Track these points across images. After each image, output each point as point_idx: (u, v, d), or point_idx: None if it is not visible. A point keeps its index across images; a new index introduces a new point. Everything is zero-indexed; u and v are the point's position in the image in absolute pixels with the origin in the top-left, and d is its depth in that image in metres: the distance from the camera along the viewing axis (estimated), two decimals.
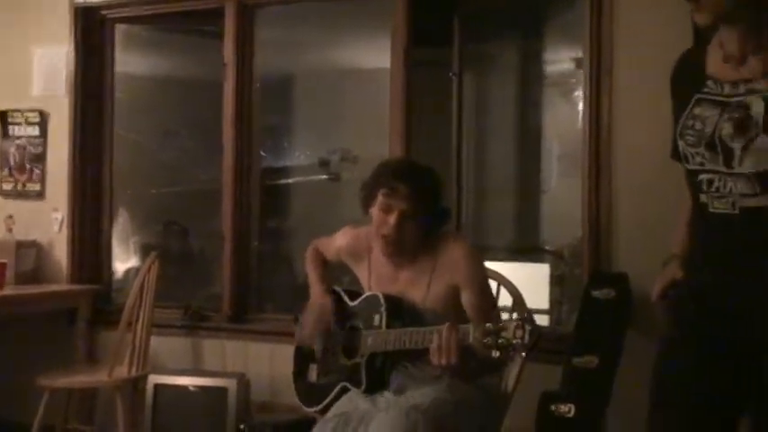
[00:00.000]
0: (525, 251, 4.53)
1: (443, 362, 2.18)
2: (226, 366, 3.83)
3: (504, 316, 2.54)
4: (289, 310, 4.14)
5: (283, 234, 5.24)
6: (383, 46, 4.29)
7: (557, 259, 4.26)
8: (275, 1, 3.97)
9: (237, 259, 3.95)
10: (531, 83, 4.57)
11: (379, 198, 2.38)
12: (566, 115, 4.45)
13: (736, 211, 1.68)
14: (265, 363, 3.77)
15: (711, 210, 1.72)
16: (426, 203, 2.39)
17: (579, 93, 4.32)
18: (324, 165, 5.44)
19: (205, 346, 3.93)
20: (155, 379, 3.58)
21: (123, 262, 4.70)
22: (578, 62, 4.37)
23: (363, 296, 2.49)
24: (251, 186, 4.02)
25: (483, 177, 4.41)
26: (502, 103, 4.53)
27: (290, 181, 5.46)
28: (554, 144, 4.52)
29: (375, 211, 2.40)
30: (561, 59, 4.48)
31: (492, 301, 2.47)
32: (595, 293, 2.95)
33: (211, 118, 4.38)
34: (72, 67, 4.12)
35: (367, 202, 2.45)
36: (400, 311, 2.38)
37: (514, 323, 2.05)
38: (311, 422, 3.28)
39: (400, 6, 3.59)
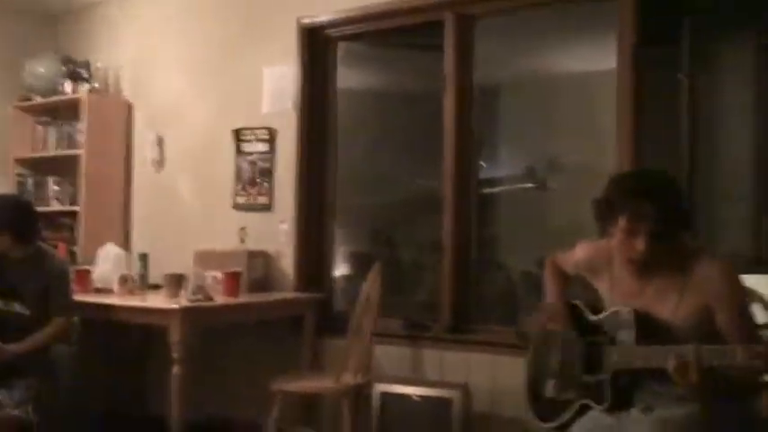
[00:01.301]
0: (756, 262, 4.20)
1: (682, 382, 2.07)
2: (445, 376, 3.82)
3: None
4: (505, 321, 4.11)
5: (493, 243, 5.20)
6: (597, 48, 4.13)
7: None
8: (494, 12, 3.94)
9: (457, 269, 3.95)
10: (766, 81, 4.23)
11: (622, 222, 2.25)
12: None
13: None
14: (485, 374, 3.73)
15: None
16: (673, 219, 2.25)
17: None
18: (530, 173, 5.34)
19: (424, 355, 3.95)
20: (381, 387, 3.63)
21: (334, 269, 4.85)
22: None
23: (609, 310, 2.38)
24: (470, 196, 4.00)
25: (716, 184, 4.13)
26: (737, 106, 4.23)
27: (495, 190, 5.41)
28: None
29: (618, 233, 2.28)
30: None
31: (753, 324, 2.28)
32: None
33: (425, 130, 4.43)
34: (299, 85, 4.32)
35: (606, 222, 2.33)
36: (650, 328, 2.26)
37: None
38: None
39: (628, 5, 3.44)
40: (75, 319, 3.73)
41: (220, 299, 3.89)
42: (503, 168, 5.58)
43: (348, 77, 4.61)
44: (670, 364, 2.09)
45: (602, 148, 4.19)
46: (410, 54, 4.85)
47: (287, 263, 4.35)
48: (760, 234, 4.20)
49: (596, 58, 4.43)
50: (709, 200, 4.09)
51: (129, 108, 5.08)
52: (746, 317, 2.25)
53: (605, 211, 2.31)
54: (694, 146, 3.78)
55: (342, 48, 4.46)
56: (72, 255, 4.76)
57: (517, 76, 5.34)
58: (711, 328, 2.21)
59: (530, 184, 5.33)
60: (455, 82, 3.95)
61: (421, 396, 3.58)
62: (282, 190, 4.39)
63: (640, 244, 2.23)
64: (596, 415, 2.34)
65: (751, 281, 2.66)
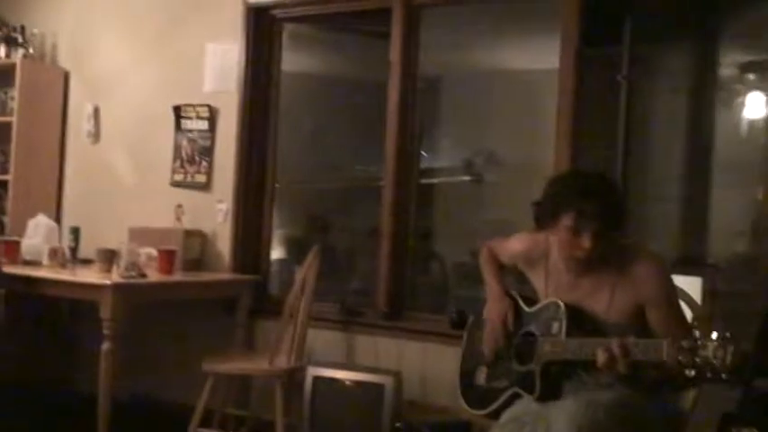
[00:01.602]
0: (679, 263, 4.36)
1: (611, 374, 2.15)
2: (378, 363, 3.86)
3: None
4: (438, 310, 4.18)
5: (429, 233, 5.26)
6: (539, 47, 4.19)
7: (713, 273, 4.07)
8: (442, 2, 3.97)
9: (395, 257, 3.98)
10: (700, 88, 4.39)
11: (568, 221, 2.29)
12: (729, 123, 4.26)
13: None
14: (417, 361, 3.78)
15: None
16: (615, 217, 2.32)
17: (742, 99, 4.14)
18: (468, 166, 5.41)
19: (358, 341, 3.97)
20: (314, 371, 3.65)
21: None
22: (743, 67, 4.18)
23: (543, 303, 2.44)
24: (410, 185, 4.04)
25: (648, 185, 4.26)
26: (671, 109, 4.37)
27: (434, 181, 5.47)
28: (716, 153, 4.34)
29: (562, 232, 2.32)
30: (727, 65, 4.29)
31: (685, 321, 2.36)
32: None
33: (368, 117, 4.44)
34: (242, 65, 4.27)
35: (547, 222, 2.38)
36: (581, 321, 2.32)
37: (716, 342, 1.94)
38: (467, 425, 3.29)
39: (573, 6, 3.51)
40: (2, 291, 3.64)
41: (154, 276, 3.85)
42: (442, 159, 5.63)
43: (293, 60, 4.58)
44: (599, 358, 2.15)
45: (540, 146, 4.28)
46: (356, 40, 4.85)
47: (223, 244, 4.32)
48: (688, 235, 4.36)
49: (538, 57, 4.51)
50: (640, 200, 4.22)
51: (65, 77, 4.94)
52: (678, 314, 2.33)
53: (548, 211, 2.35)
54: (629, 146, 3.89)
55: (287, 29, 4.42)
56: (1, 225, 4.63)
57: (460, 68, 5.39)
58: (642, 325, 2.28)
59: (467, 177, 5.40)
60: (400, 70, 3.96)
61: (353, 381, 3.61)
62: (222, 169, 4.34)
63: (586, 242, 2.27)
64: (526, 404, 2.38)
65: (677, 281, 2.76)
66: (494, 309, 2.56)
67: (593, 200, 2.27)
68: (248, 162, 4.32)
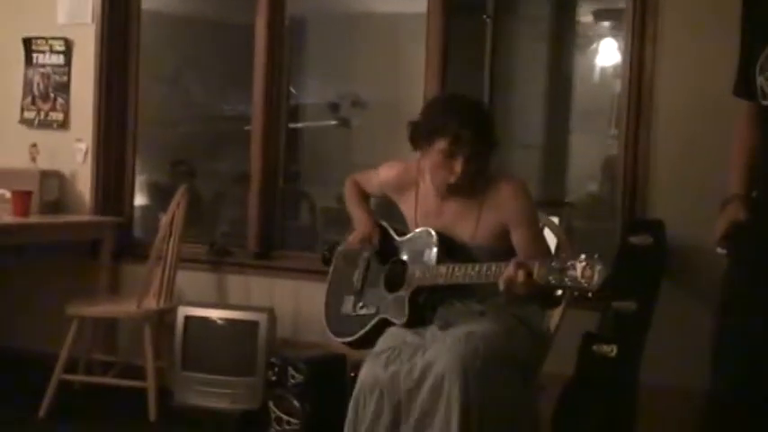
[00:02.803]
0: (541, 204, 4.57)
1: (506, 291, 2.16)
2: (250, 302, 3.83)
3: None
4: (308, 249, 4.19)
5: (297, 178, 5.24)
6: None
7: (569, 211, 4.30)
8: None
9: (264, 198, 3.95)
10: (559, 34, 4.56)
11: (441, 144, 2.32)
12: (585, 69, 4.47)
13: None
14: (289, 299, 3.78)
15: None
16: (488, 144, 2.38)
17: (595, 46, 4.35)
18: (333, 109, 5.40)
19: (229, 281, 3.93)
20: (185, 311, 3.57)
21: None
22: (596, 14, 4.38)
23: (415, 231, 2.48)
24: (279, 125, 3.99)
25: (510, 128, 4.40)
26: (533, 54, 4.52)
27: (299, 125, 5.43)
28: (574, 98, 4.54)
29: (434, 154, 2.35)
30: (584, 12, 4.48)
31: (545, 242, 2.45)
32: (633, 240, 2.99)
33: (235, 58, 4.33)
34: None
35: (421, 143, 2.41)
36: (451, 247, 2.38)
37: (583, 262, 2.00)
38: (342, 357, 3.34)
39: None
40: None
41: (8, 219, 3.64)
42: (310, 98, 5.59)
43: None
44: (501, 281, 2.16)
45: (405, 89, 4.33)
46: None
47: (84, 185, 4.12)
48: (548, 177, 4.56)
49: (404, 0, 4.54)
50: (504, 143, 4.37)
51: None
52: (540, 235, 2.43)
53: (424, 133, 2.38)
54: (494, 89, 3.99)
55: None
56: None
57: (326, 10, 5.34)
58: (508, 247, 2.35)
59: (333, 122, 5.39)
60: (267, 8, 3.87)
61: (226, 319, 3.57)
62: (80, 107, 4.11)
63: (458, 166, 2.32)
64: (399, 332, 2.40)
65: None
66: (357, 233, 2.58)
67: (469, 126, 2.31)
68: (108, 100, 4.11)
